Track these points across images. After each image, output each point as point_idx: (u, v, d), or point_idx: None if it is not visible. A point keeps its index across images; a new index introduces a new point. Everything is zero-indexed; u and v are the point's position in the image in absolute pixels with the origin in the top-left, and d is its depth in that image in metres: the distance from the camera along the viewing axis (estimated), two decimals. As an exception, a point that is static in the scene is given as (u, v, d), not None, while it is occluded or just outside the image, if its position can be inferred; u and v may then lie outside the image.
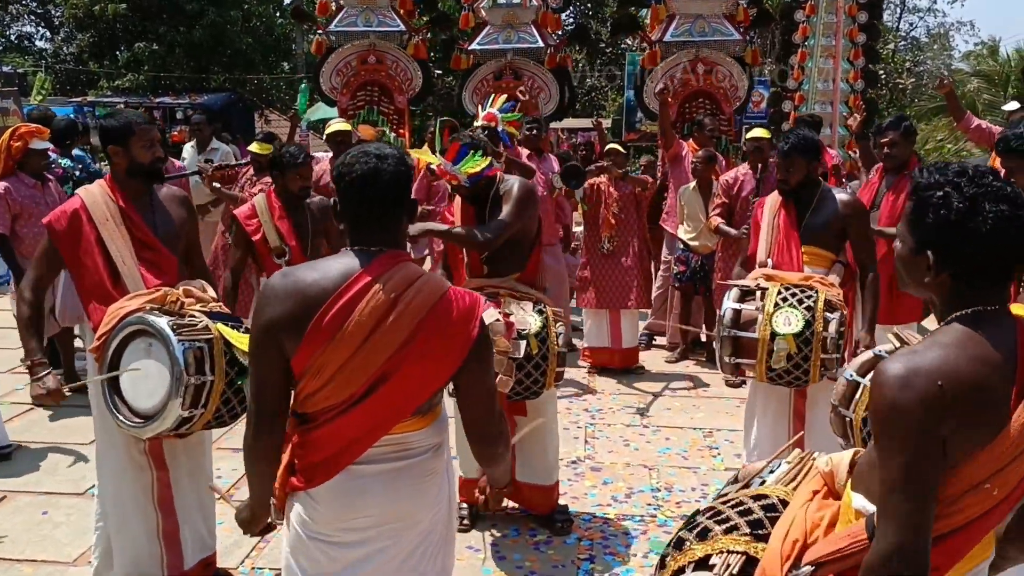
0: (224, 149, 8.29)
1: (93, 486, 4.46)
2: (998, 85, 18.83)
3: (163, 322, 3.08)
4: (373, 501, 2.26)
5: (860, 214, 4.17)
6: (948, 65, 28.29)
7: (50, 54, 29.09)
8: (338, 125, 6.78)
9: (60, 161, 6.57)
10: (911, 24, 34.14)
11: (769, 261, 4.09)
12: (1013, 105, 7.46)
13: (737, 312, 3.84)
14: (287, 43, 26.82)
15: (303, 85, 7.95)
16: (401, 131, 8.98)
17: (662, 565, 2.04)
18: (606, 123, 20.65)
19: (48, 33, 31.37)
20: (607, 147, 7.08)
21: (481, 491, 2.65)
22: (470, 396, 2.29)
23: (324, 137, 6.87)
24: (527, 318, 3.75)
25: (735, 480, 2.29)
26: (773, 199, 4.27)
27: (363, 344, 2.14)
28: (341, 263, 2.22)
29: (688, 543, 2.00)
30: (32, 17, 31.34)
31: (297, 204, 4.78)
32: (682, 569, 1.96)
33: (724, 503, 2.07)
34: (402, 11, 9.05)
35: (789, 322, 3.65)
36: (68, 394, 3.27)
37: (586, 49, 18.75)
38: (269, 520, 2.43)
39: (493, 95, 6.26)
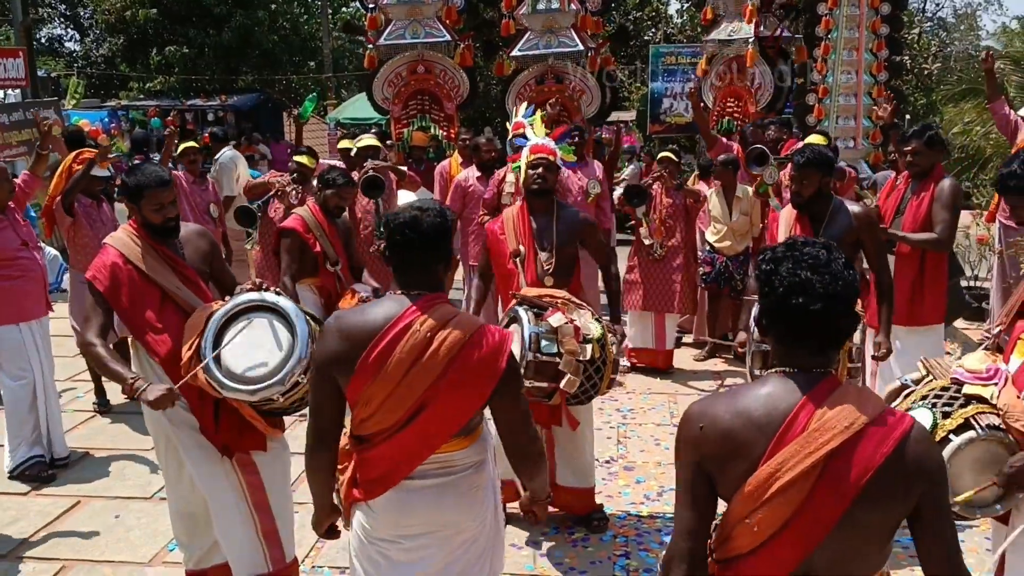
0: (225, 157, 8.72)
1: (159, 490, 4.82)
2: (1025, 69, 18.66)
3: (278, 298, 3.40)
4: (422, 512, 2.61)
5: (873, 225, 4.38)
6: (976, 46, 28.04)
7: (80, 56, 29.67)
8: (368, 140, 7.06)
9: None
10: (937, 4, 33.90)
11: (789, 274, 4.29)
12: None
13: None
14: (313, 42, 27.16)
15: (312, 95, 8.22)
16: (451, 135, 9.27)
17: None
18: (630, 116, 20.83)
19: (77, 35, 32.00)
20: (660, 156, 7.27)
21: (525, 508, 2.87)
22: (505, 421, 2.60)
23: (354, 150, 7.13)
24: (589, 324, 3.97)
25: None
26: (788, 212, 4.48)
27: (403, 378, 2.47)
28: (385, 307, 2.56)
29: None
30: (61, 20, 31.95)
31: (335, 219, 5.24)
32: None
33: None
34: (447, 21, 9.33)
35: None
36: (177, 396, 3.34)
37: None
38: (335, 525, 2.80)
39: (515, 106, 6.52)
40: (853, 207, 4.40)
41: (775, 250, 1.91)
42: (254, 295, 3.44)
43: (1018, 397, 2.89)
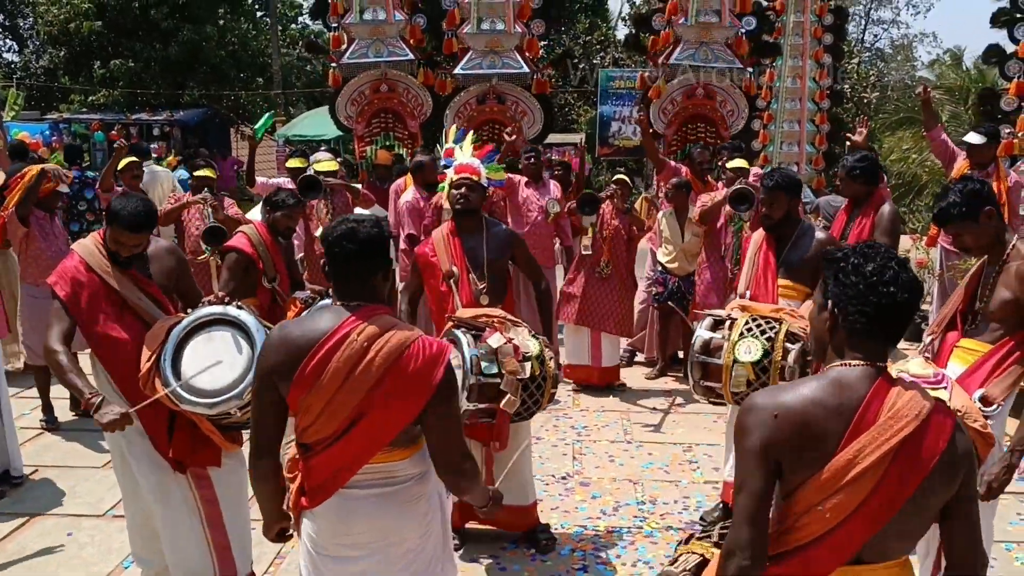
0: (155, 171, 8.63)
1: (112, 507, 4.77)
2: (958, 99, 19.40)
3: (240, 312, 3.42)
4: (363, 520, 2.65)
5: None
6: (912, 76, 28.98)
7: (20, 67, 29.01)
8: (327, 165, 7.06)
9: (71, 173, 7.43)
10: (875, 36, 34.94)
11: (747, 292, 4.45)
12: (975, 138, 6.91)
13: (707, 340, 4.17)
14: (262, 59, 26.97)
15: (268, 113, 8.24)
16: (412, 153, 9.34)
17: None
18: (579, 138, 21.09)
19: (16, 46, 31.27)
20: (615, 178, 7.36)
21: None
22: (435, 434, 2.59)
23: (311, 170, 7.12)
24: (527, 342, 4.03)
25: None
26: (759, 235, 4.64)
27: (341, 387, 2.51)
28: (325, 318, 2.60)
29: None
30: (-1, 30, 31.22)
31: (282, 238, 5.26)
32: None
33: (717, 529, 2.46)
34: (411, 40, 9.40)
35: (749, 351, 3.99)
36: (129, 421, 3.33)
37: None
38: (285, 529, 2.83)
39: (445, 128, 6.58)
40: (819, 233, 4.57)
41: (856, 247, 2.07)
42: (216, 308, 3.46)
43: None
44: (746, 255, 4.69)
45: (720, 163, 7.42)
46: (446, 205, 6.44)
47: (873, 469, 1.92)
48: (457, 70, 9.49)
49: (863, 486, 1.93)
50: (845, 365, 2.03)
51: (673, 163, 7.89)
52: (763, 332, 4.07)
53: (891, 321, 2.01)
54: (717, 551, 2.26)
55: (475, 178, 4.39)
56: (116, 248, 3.56)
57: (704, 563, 2.31)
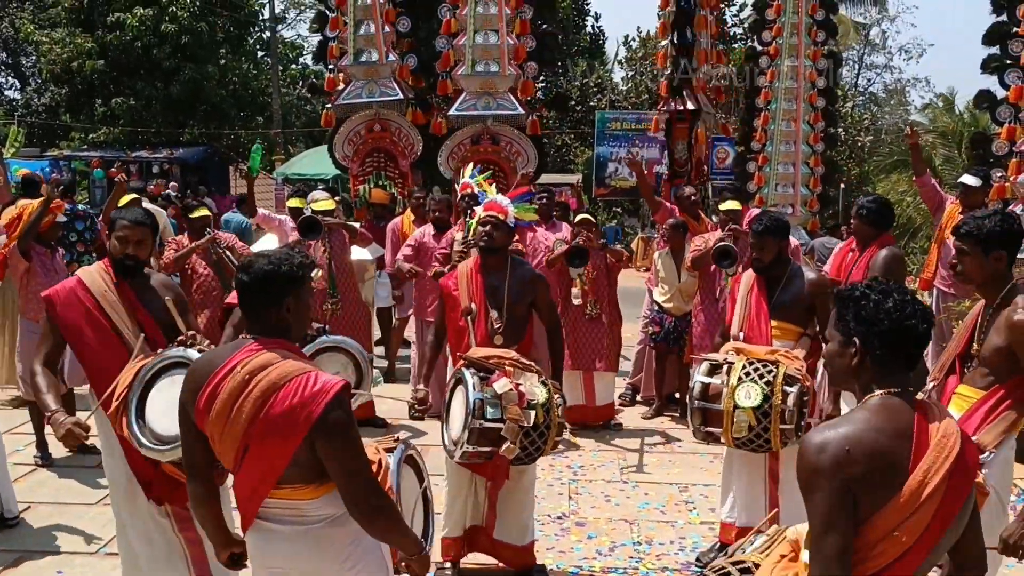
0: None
1: (104, 544, 4.74)
2: (951, 143, 19.62)
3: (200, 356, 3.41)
4: (279, 554, 2.66)
5: (825, 291, 4.56)
6: (905, 120, 29.32)
7: (21, 105, 29.23)
8: (324, 204, 7.11)
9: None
10: (869, 80, 35.37)
11: (741, 334, 4.47)
12: (971, 180, 7.08)
13: (705, 385, 4.19)
14: (262, 98, 27.23)
15: (256, 146, 8.28)
16: (404, 192, 9.46)
17: None
18: (576, 178, 21.28)
19: (18, 83, 31.56)
20: (578, 218, 7.43)
21: (397, 567, 2.80)
22: (333, 473, 2.52)
23: (308, 209, 7.13)
24: (534, 389, 4.02)
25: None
26: (748, 276, 4.67)
27: (228, 419, 2.53)
28: (226, 350, 2.66)
29: None
30: (1, 67, 31.50)
31: None
32: None
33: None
34: (405, 80, 9.58)
35: (749, 396, 4.01)
36: (84, 432, 3.38)
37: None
38: (237, 554, 2.85)
39: (461, 166, 6.67)
40: (809, 274, 4.62)
41: (870, 287, 2.20)
42: (178, 351, 3.45)
43: None
44: (736, 294, 4.72)
45: (717, 203, 7.51)
46: (458, 237, 6.57)
47: (939, 487, 2.04)
48: (451, 111, 9.61)
49: (933, 504, 2.03)
50: (884, 394, 2.14)
51: (668, 204, 7.97)
52: (761, 376, 4.08)
53: (913, 350, 2.16)
54: None
55: (501, 217, 4.41)
56: (120, 249, 3.61)
57: None
